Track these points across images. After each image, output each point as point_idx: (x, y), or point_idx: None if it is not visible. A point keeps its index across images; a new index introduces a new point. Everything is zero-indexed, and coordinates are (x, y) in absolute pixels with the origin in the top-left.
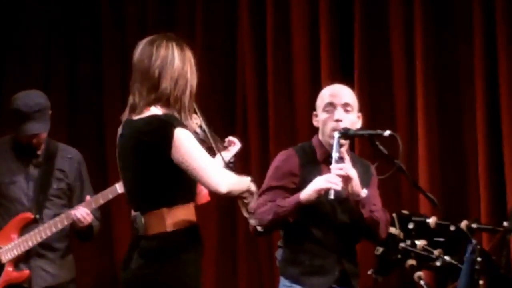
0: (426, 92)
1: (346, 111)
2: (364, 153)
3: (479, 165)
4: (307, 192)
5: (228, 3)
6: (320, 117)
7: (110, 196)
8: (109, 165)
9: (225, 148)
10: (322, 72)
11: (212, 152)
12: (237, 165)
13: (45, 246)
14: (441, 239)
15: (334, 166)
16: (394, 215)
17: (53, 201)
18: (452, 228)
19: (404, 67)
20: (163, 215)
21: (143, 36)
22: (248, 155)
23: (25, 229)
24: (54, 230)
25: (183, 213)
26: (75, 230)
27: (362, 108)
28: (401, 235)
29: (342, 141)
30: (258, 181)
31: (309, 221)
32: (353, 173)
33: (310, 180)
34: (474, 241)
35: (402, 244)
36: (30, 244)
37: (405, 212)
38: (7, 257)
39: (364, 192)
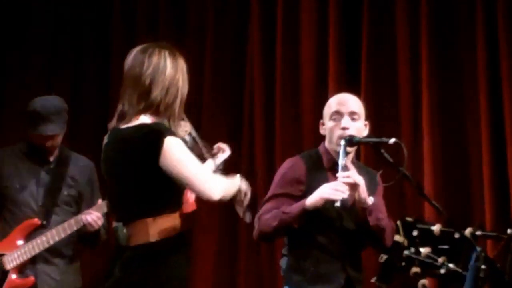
0: (431, 99)
1: (353, 119)
2: (369, 161)
3: (483, 172)
4: (313, 199)
5: (238, 7)
6: (327, 125)
7: None
8: None
9: (214, 155)
10: (330, 78)
11: (201, 159)
12: (226, 172)
13: (52, 251)
14: (446, 247)
15: (341, 174)
16: (398, 222)
17: (62, 208)
18: (457, 235)
19: (410, 74)
20: (147, 225)
21: (153, 35)
22: (253, 162)
23: (31, 235)
24: (62, 235)
25: (168, 223)
26: (82, 235)
27: (368, 114)
28: (405, 243)
29: (348, 149)
30: (263, 188)
31: (314, 228)
32: (360, 180)
33: (316, 188)
34: (478, 249)
35: (406, 252)
36: (37, 250)
37: (409, 219)
38: (11, 264)
39: (370, 200)
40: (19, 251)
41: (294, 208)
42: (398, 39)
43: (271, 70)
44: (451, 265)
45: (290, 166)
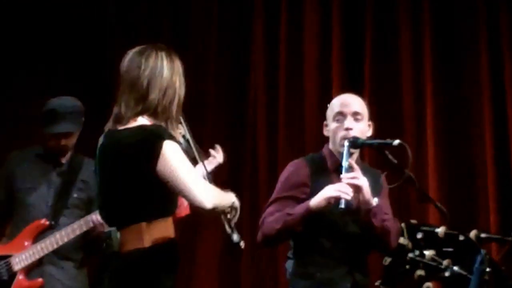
0: (435, 102)
1: (356, 119)
2: (373, 162)
3: (488, 174)
4: (317, 200)
5: (241, 11)
6: (330, 127)
7: None
8: None
9: (207, 159)
10: (333, 83)
11: (194, 162)
12: (213, 177)
13: (60, 255)
14: (450, 249)
15: (344, 175)
16: (402, 224)
17: (71, 210)
18: (461, 238)
19: (414, 78)
20: (141, 230)
21: (155, 41)
22: (256, 166)
23: (39, 236)
24: (71, 236)
25: (161, 228)
26: (89, 239)
27: (372, 118)
28: (410, 245)
29: (352, 150)
30: (266, 191)
31: (318, 232)
32: (363, 181)
33: (320, 190)
34: (483, 251)
35: (410, 255)
36: (45, 251)
37: (413, 221)
38: (19, 265)
39: (375, 201)
40: (27, 252)
41: (298, 209)
42: (401, 41)
43: (274, 74)
44: (455, 268)
45: (294, 169)
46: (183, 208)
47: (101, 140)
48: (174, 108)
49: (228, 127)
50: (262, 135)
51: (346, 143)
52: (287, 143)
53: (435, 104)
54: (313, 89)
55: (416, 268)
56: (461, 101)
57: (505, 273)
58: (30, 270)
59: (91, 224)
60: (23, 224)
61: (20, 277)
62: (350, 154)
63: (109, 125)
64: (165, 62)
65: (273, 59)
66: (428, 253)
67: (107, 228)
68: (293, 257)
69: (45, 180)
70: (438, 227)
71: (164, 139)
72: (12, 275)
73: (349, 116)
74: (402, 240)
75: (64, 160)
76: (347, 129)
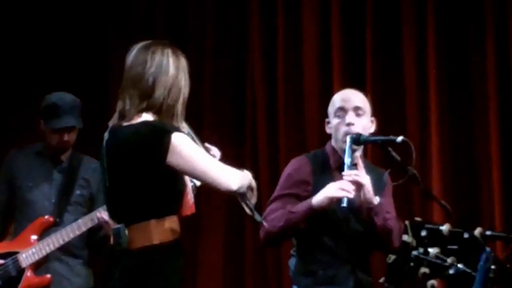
0: (439, 99)
1: (358, 115)
2: (376, 159)
3: (492, 172)
4: (319, 198)
5: (238, 11)
6: (332, 123)
7: None
8: None
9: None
10: (334, 80)
11: None
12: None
13: (66, 251)
14: (455, 247)
15: (346, 173)
16: (406, 222)
17: (74, 207)
18: (466, 235)
19: (417, 75)
20: (150, 227)
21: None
22: (257, 167)
23: (45, 232)
24: (77, 233)
25: (170, 225)
26: (94, 238)
27: (374, 116)
28: (414, 243)
29: (355, 147)
30: (267, 190)
31: (321, 230)
32: (365, 179)
33: (322, 188)
34: (488, 249)
35: (414, 252)
36: (52, 247)
37: (417, 219)
38: (27, 261)
39: (376, 200)
40: (34, 248)
41: (300, 207)
42: (404, 39)
43: (273, 74)
44: (460, 266)
45: (296, 167)
46: (188, 207)
47: (106, 136)
48: (179, 106)
49: (228, 127)
50: (262, 135)
51: (348, 139)
52: (288, 143)
53: (440, 103)
54: (314, 89)
55: (420, 266)
56: (466, 98)
57: (510, 271)
58: (38, 266)
59: (96, 221)
60: (26, 221)
61: (29, 273)
62: (353, 151)
63: (113, 121)
64: (171, 60)
65: (272, 60)
66: (432, 250)
67: (113, 225)
68: (296, 254)
69: (47, 177)
70: (443, 224)
71: (171, 131)
72: (20, 271)
73: (351, 111)
74: (406, 238)
75: (64, 158)
76: (349, 124)
